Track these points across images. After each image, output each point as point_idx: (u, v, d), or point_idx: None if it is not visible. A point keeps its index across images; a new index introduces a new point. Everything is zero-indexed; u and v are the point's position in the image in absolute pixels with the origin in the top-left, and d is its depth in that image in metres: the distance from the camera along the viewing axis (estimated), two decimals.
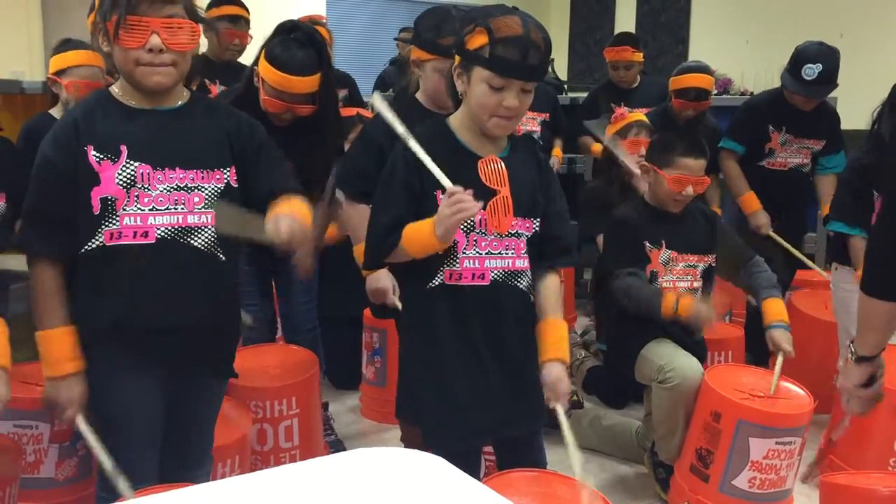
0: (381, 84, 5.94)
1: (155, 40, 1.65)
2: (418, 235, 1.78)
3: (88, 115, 1.74)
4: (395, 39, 6.03)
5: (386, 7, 9.50)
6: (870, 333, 1.78)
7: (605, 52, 4.54)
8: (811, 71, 3.48)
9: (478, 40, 1.76)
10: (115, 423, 1.80)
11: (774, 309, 2.65)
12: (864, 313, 1.78)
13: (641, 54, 4.47)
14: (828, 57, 3.51)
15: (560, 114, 4.36)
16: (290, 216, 1.73)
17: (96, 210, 1.70)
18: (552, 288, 1.95)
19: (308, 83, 2.49)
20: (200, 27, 1.74)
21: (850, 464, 2.64)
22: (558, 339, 1.91)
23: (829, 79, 3.51)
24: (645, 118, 3.61)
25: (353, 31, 9.32)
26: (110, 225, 1.70)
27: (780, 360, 2.53)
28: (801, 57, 3.53)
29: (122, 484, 1.68)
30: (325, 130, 2.61)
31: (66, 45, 2.86)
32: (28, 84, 3.52)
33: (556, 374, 1.86)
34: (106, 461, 1.72)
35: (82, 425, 1.77)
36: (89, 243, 1.71)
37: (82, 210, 1.70)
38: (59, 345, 1.74)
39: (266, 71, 2.48)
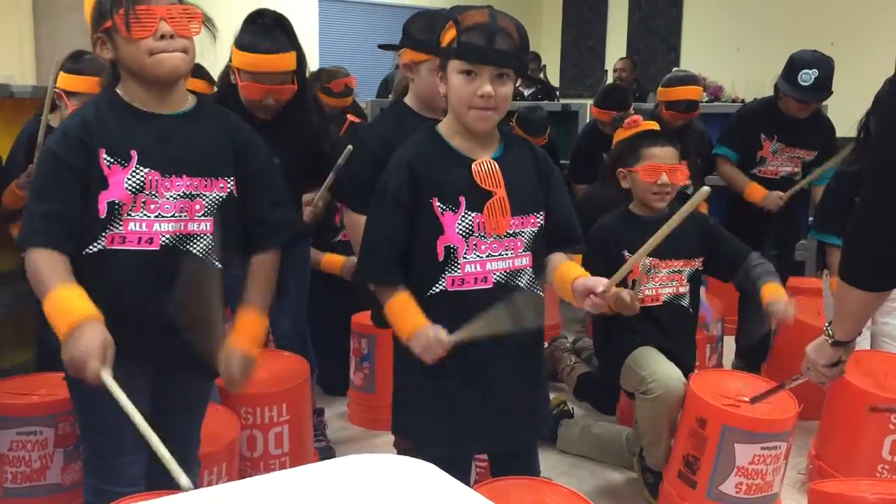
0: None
1: (164, 27, 1.66)
2: (399, 319, 1.85)
3: (100, 117, 1.72)
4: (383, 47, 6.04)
5: (377, 12, 9.51)
6: (846, 320, 1.84)
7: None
8: (807, 77, 3.50)
9: (448, 35, 1.79)
10: (102, 425, 1.78)
11: (772, 290, 2.58)
12: (842, 301, 1.82)
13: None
14: (823, 64, 3.53)
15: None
16: (241, 356, 1.78)
17: (102, 213, 1.69)
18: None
19: (281, 60, 2.49)
20: (201, 15, 1.73)
21: (838, 471, 2.64)
22: (575, 267, 1.91)
23: (824, 85, 3.53)
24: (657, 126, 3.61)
25: (344, 36, 9.33)
26: (114, 228, 1.70)
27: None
28: (797, 63, 3.55)
29: (183, 479, 1.42)
30: (305, 111, 2.60)
31: (79, 61, 2.74)
32: (18, 88, 3.48)
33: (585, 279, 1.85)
34: (162, 450, 1.45)
35: (108, 380, 1.55)
36: (90, 246, 1.69)
37: (87, 212, 1.69)
38: (65, 299, 1.60)
39: (239, 58, 2.49)
